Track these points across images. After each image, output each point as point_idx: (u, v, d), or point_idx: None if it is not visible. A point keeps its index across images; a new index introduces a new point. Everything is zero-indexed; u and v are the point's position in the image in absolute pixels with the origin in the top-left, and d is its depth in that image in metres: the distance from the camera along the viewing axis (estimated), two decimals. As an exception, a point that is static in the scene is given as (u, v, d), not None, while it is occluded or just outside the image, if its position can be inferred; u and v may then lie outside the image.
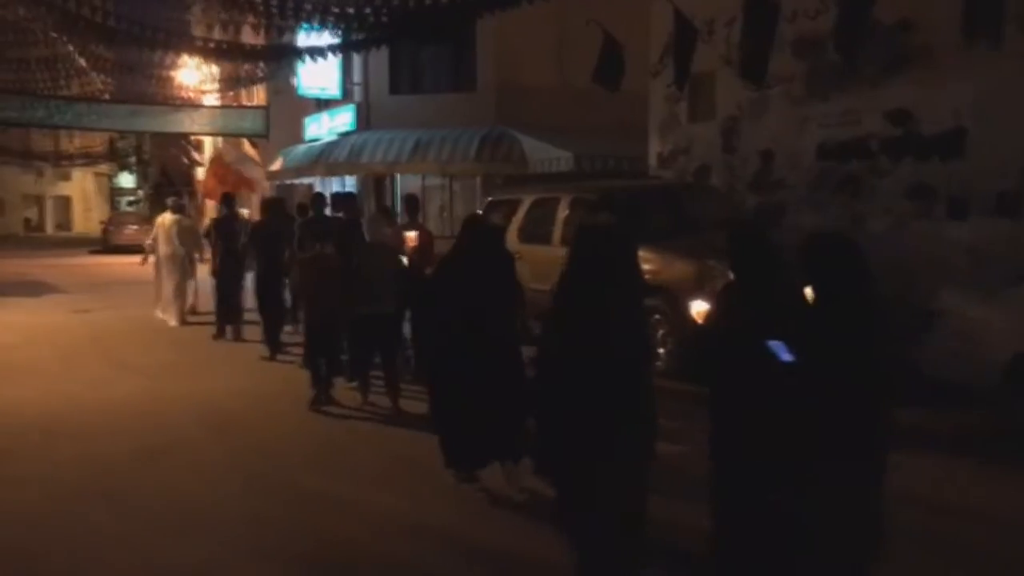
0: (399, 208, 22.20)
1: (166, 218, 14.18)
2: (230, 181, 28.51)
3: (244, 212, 17.94)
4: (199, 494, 6.02)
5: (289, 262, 10.40)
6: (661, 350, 9.14)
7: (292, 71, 21.75)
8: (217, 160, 31.45)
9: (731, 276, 4.11)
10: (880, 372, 3.60)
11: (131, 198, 77.25)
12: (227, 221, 12.58)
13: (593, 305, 3.71)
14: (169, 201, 15.30)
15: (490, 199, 12.67)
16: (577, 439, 3.71)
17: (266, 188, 28.73)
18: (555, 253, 10.73)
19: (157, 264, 14.06)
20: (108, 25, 13.82)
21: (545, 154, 19.02)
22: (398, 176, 22.22)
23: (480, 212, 12.57)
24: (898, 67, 10.26)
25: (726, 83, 12.73)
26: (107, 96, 25.66)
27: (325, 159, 21.54)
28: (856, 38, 9.74)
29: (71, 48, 19.45)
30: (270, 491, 6.04)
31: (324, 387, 8.23)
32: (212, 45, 15.45)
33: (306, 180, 25.26)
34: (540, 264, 10.09)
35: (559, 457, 3.84)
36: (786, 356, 3.58)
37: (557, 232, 10.76)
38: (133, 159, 64.85)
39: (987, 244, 9.22)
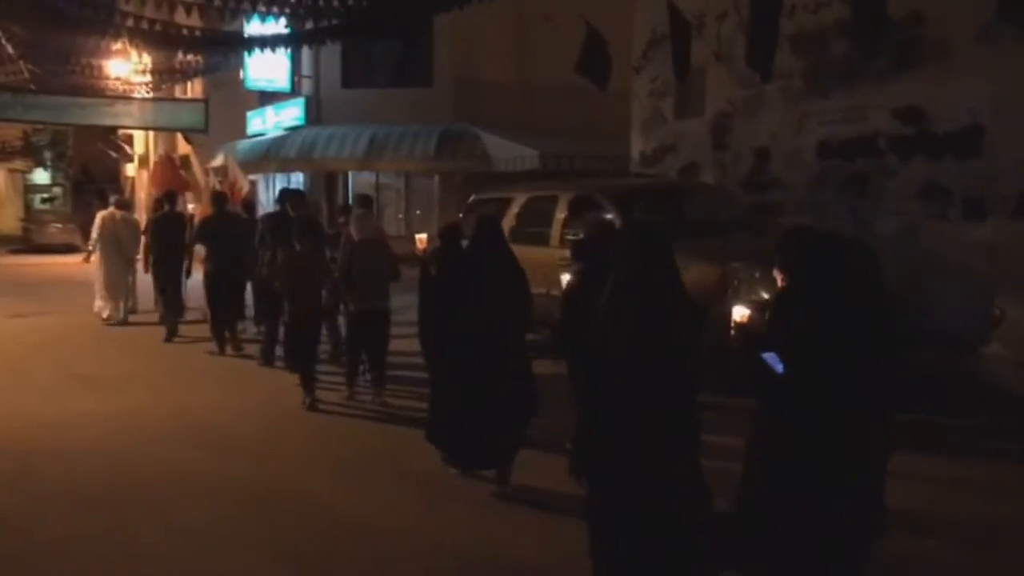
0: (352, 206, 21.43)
1: (114, 214, 13.85)
2: (173, 180, 27.24)
3: (191, 208, 16.89)
4: (207, 522, 5.26)
5: (251, 260, 10.35)
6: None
7: (239, 62, 20.69)
8: (166, 158, 30.07)
9: (777, 280, 3.94)
10: (879, 374, 3.54)
11: (45, 195, 74.12)
12: (169, 219, 12.45)
13: (658, 307, 3.64)
14: (113, 198, 15.05)
15: (475, 197, 11.99)
16: (633, 443, 3.59)
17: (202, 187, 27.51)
18: (552, 255, 10.16)
19: (100, 260, 13.68)
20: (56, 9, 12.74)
21: (509, 152, 18.41)
22: (350, 173, 21.32)
23: (467, 210, 11.92)
24: (909, 62, 9.92)
25: (716, 79, 12.32)
26: (33, 87, 24.10)
27: (274, 155, 20.52)
28: (874, 31, 9.41)
29: (-1, 34, 18.06)
30: (284, 512, 5.34)
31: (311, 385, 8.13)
32: (157, 29, 14.39)
33: (249, 177, 24.17)
34: (536, 267, 9.38)
35: (605, 461, 3.72)
36: (779, 368, 3.59)
37: (555, 233, 10.16)
38: (49, 155, 62.16)
39: (1010, 245, 8.95)
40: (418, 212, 21.26)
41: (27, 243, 33.18)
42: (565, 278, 6.34)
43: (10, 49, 19.86)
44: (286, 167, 20.77)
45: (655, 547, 3.57)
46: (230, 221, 11.19)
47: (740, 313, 4.06)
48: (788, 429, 3.61)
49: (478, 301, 5.65)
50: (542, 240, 10.30)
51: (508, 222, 10.94)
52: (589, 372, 3.92)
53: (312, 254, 8.30)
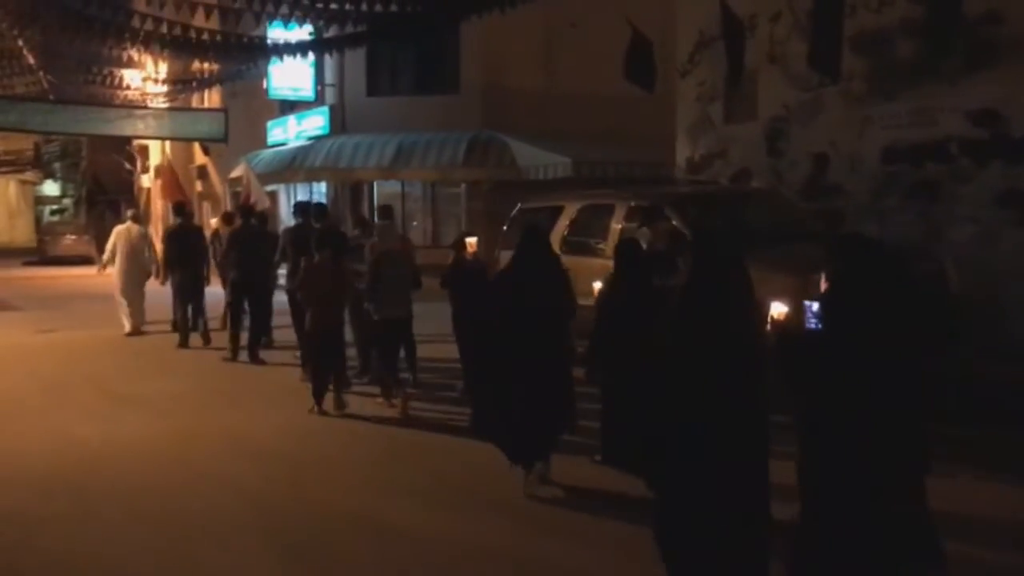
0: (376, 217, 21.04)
1: (131, 228, 14.03)
2: (173, 190, 26.93)
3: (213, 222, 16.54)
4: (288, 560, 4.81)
5: (271, 270, 10.84)
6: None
7: (262, 71, 20.31)
8: (166, 168, 29.75)
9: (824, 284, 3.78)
10: (908, 380, 3.49)
11: (55, 207, 73.92)
12: (185, 231, 12.63)
13: (728, 316, 3.71)
14: (129, 212, 15.14)
15: (521, 205, 11.55)
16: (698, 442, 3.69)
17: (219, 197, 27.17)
18: (609, 267, 9.74)
19: (118, 275, 13.76)
20: (80, 13, 12.37)
21: (540, 160, 18.02)
22: (375, 183, 20.91)
23: (512, 219, 11.50)
24: (983, 63, 9.48)
25: (770, 82, 11.89)
26: (51, 97, 23.77)
27: (299, 165, 20.12)
28: (948, 30, 9.00)
29: (20, 43, 17.71)
30: (364, 538, 4.88)
31: (327, 395, 8.21)
32: (176, 34, 13.98)
33: (269, 188, 23.81)
34: (589, 278, 8.95)
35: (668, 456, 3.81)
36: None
37: (612, 243, 9.70)
38: (58, 165, 61.97)
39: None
40: (444, 221, 20.84)
41: (41, 255, 32.89)
42: (597, 285, 6.73)
43: (31, 59, 19.56)
44: (312, 177, 20.37)
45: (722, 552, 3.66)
46: (257, 234, 11.41)
47: (778, 310, 4.03)
48: (821, 431, 3.55)
49: (526, 307, 5.84)
50: (597, 251, 9.87)
51: (559, 232, 10.52)
52: (658, 380, 3.94)
53: (334, 265, 8.42)
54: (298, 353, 10.17)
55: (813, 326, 4.24)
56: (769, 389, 3.77)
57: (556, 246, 10.46)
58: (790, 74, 11.55)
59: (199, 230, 13.87)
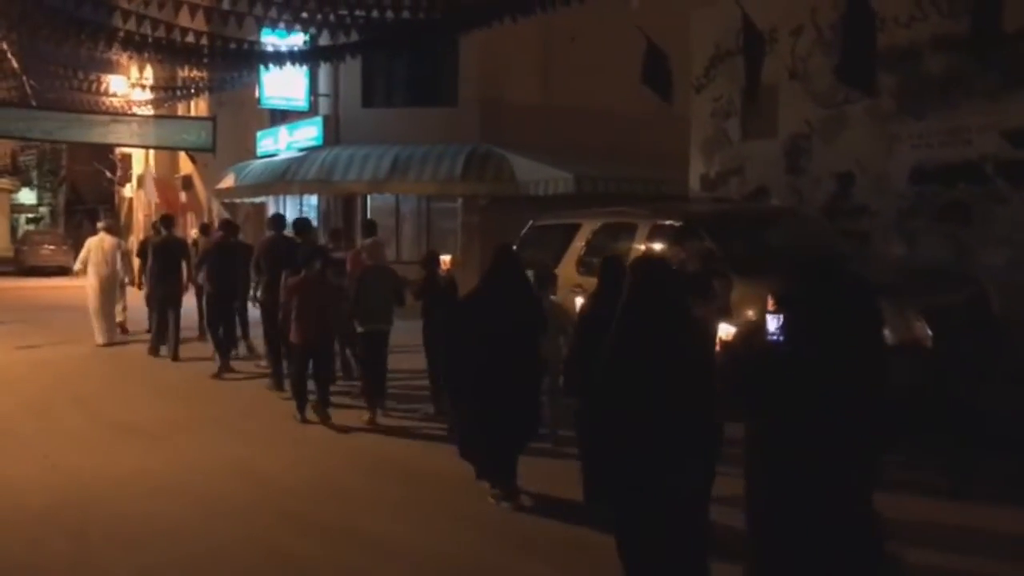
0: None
1: (104, 239, 13.91)
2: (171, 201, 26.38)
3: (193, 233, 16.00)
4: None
5: (246, 283, 10.88)
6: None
7: (253, 79, 19.77)
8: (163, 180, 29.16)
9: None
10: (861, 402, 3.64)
11: (31, 215, 72.70)
12: (170, 242, 12.74)
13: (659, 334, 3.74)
14: (100, 224, 15.09)
15: (533, 223, 11.09)
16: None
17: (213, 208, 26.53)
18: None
19: (89, 286, 13.71)
20: (72, 16, 11.82)
21: (539, 175, 17.59)
22: (368, 196, 20.37)
23: (524, 238, 11.03)
24: (1022, 80, 9.13)
25: (790, 97, 11.49)
26: (34, 103, 23.12)
27: (292, 176, 19.55)
28: (985, 46, 8.64)
29: (4, 47, 17.13)
30: None
31: (312, 403, 8.40)
32: (160, 36, 13.42)
33: (258, 200, 23.25)
34: None
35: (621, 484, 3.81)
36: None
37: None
38: (34, 174, 60.89)
39: None
40: (440, 236, 20.33)
41: (18, 265, 32.03)
42: (579, 301, 6.70)
43: (14, 63, 18.96)
44: (305, 189, 19.81)
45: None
46: (230, 247, 11.51)
47: (726, 331, 4.21)
48: (773, 444, 3.69)
49: (498, 327, 5.98)
50: (619, 271, 9.40)
51: (575, 251, 10.09)
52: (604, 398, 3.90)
53: (324, 278, 8.59)
54: (263, 362, 10.69)
55: (773, 340, 3.83)
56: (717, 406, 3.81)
57: (572, 266, 10.10)
58: (812, 90, 11.18)
59: (182, 242, 13.78)
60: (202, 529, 5.64)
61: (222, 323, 11.16)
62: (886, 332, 7.51)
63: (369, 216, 20.66)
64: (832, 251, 8.92)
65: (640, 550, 3.83)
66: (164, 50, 14.52)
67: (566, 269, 10.07)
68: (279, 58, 15.65)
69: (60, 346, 13.59)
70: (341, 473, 6.90)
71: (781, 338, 3.74)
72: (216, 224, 14.09)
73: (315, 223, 21.64)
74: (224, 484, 6.60)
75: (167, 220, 13.50)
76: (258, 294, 10.25)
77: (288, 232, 10.44)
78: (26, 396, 9.79)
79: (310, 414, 8.38)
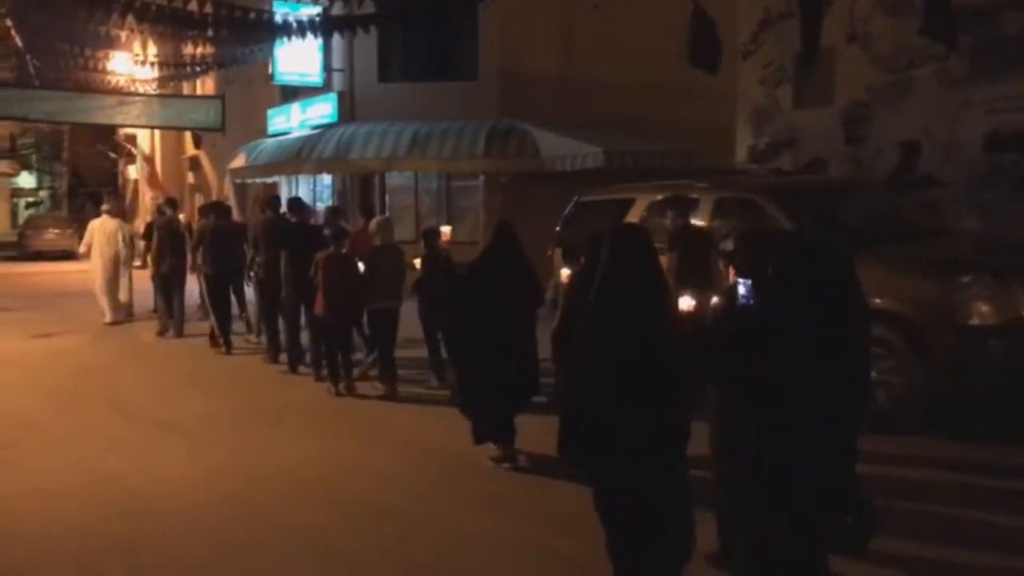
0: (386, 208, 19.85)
1: (106, 222, 14.12)
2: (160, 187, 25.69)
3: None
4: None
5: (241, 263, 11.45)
6: (880, 392, 7.17)
7: (266, 53, 19.07)
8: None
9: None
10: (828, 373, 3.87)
11: (31, 199, 71.94)
12: (172, 224, 12.95)
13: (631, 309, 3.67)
14: (104, 206, 15.17)
15: (578, 199, 10.49)
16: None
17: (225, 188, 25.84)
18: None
19: (95, 268, 13.93)
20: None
21: (565, 150, 16.89)
22: (386, 174, 19.72)
23: (568, 215, 10.44)
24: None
25: (849, 63, 10.87)
26: (37, 83, 22.38)
27: (307, 155, 18.88)
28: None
29: (9, 23, 16.42)
30: None
31: (343, 376, 8.82)
32: (176, 9, 12.76)
33: (270, 180, 22.60)
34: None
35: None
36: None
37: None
38: (34, 157, 60.07)
39: None
40: (460, 215, 19.70)
41: (22, 250, 31.37)
42: (565, 273, 7.23)
43: (18, 40, 18.25)
44: (321, 168, 19.12)
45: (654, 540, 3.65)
46: (224, 228, 11.81)
47: (687, 303, 4.42)
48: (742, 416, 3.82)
49: (497, 298, 6.26)
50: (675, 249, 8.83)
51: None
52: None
53: (346, 255, 8.85)
54: (254, 338, 11.58)
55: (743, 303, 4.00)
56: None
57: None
58: (873, 54, 10.56)
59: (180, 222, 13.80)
60: (268, 544, 5.09)
61: (220, 302, 11.52)
62: (985, 310, 7.05)
63: (389, 195, 20.11)
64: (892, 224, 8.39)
65: (618, 511, 3.74)
66: (172, 21, 13.85)
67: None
68: (293, 30, 15.00)
69: (76, 334, 13.04)
70: (411, 480, 6.33)
71: (750, 302, 3.92)
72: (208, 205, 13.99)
73: (330, 202, 21.20)
74: (280, 490, 6.05)
75: (171, 202, 14.00)
76: (252, 273, 10.89)
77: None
78: (51, 390, 9.22)
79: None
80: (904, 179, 10.28)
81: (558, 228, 10.39)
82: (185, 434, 7.50)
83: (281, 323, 10.31)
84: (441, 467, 6.49)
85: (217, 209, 12.39)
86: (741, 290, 3.92)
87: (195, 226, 12.96)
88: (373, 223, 9.47)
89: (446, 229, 8.95)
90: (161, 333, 12.65)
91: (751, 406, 3.82)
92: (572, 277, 6.62)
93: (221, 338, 11.30)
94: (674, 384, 3.63)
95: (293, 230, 9.93)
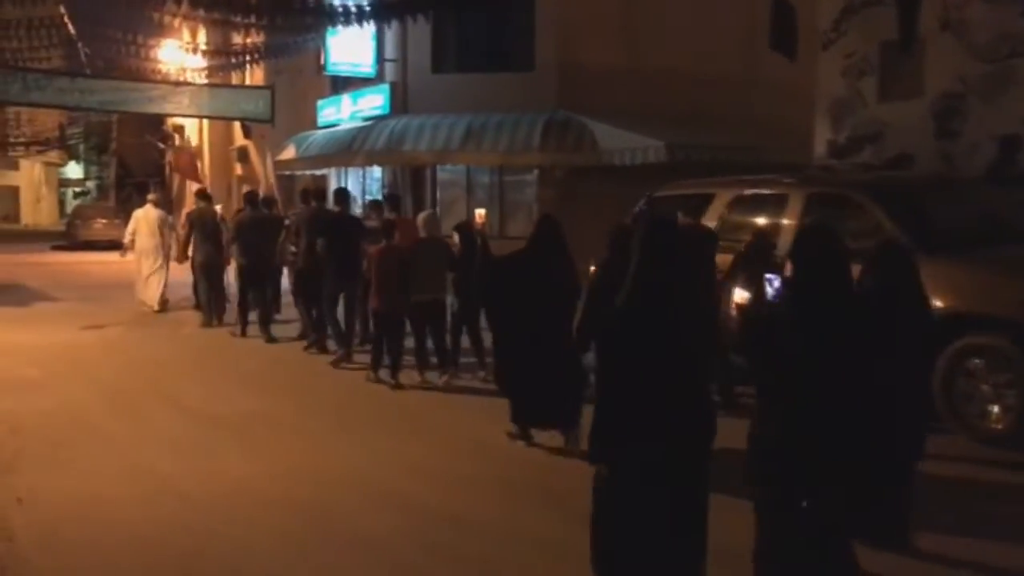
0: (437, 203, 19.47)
1: (149, 212, 14.47)
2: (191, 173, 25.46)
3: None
4: None
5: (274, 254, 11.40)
6: (995, 407, 6.58)
7: (318, 43, 18.78)
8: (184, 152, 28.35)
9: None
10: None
11: (78, 189, 72.76)
12: (205, 215, 13.09)
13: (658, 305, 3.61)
14: (149, 196, 15.38)
15: (651, 195, 9.95)
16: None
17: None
18: (782, 268, 8.16)
19: (138, 256, 14.26)
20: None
21: (625, 143, 16.34)
22: (437, 167, 19.29)
23: (640, 210, 9.90)
24: None
25: (941, 52, 10.23)
26: (88, 72, 22.27)
27: (359, 147, 18.50)
28: None
29: (62, 10, 16.22)
30: None
31: (393, 370, 8.79)
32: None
33: (319, 172, 22.30)
34: None
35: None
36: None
37: (785, 242, 8.10)
38: (82, 147, 60.64)
39: None
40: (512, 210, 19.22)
41: (71, 239, 31.45)
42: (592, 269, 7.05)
43: (71, 27, 18.08)
44: (372, 160, 18.76)
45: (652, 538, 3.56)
46: (261, 219, 11.97)
47: (740, 296, 4.64)
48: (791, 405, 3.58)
49: (536, 290, 6.38)
50: (763, 249, 8.28)
51: (708, 223, 8.94)
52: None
53: (399, 250, 8.88)
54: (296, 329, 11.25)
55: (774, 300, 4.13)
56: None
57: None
58: (970, 42, 9.92)
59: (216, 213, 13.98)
60: (337, 557, 4.64)
61: (252, 292, 11.72)
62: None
63: (439, 189, 19.70)
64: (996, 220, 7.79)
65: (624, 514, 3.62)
66: (226, 6, 13.57)
67: (695, 245, 8.96)
68: (346, 16, 14.63)
69: (125, 325, 12.82)
70: (487, 488, 5.85)
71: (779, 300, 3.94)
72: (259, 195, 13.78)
73: (379, 195, 20.84)
74: (345, 495, 5.63)
75: (204, 194, 14.10)
76: (287, 259, 11.13)
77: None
78: (103, 384, 8.88)
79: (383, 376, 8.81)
80: (1002, 175, 9.60)
81: (632, 223, 9.86)
82: (241, 433, 7.11)
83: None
84: (503, 467, 6.06)
85: (252, 199, 12.53)
86: (770, 289, 3.91)
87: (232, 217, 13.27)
88: (420, 216, 9.51)
89: (481, 211, 8.92)
90: (205, 325, 12.63)
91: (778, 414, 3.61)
92: (595, 274, 6.66)
93: (260, 328, 11.44)
94: (699, 383, 3.69)
95: (333, 219, 10.30)
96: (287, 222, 11.46)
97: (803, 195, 8.05)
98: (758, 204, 8.60)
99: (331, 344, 10.23)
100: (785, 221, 8.14)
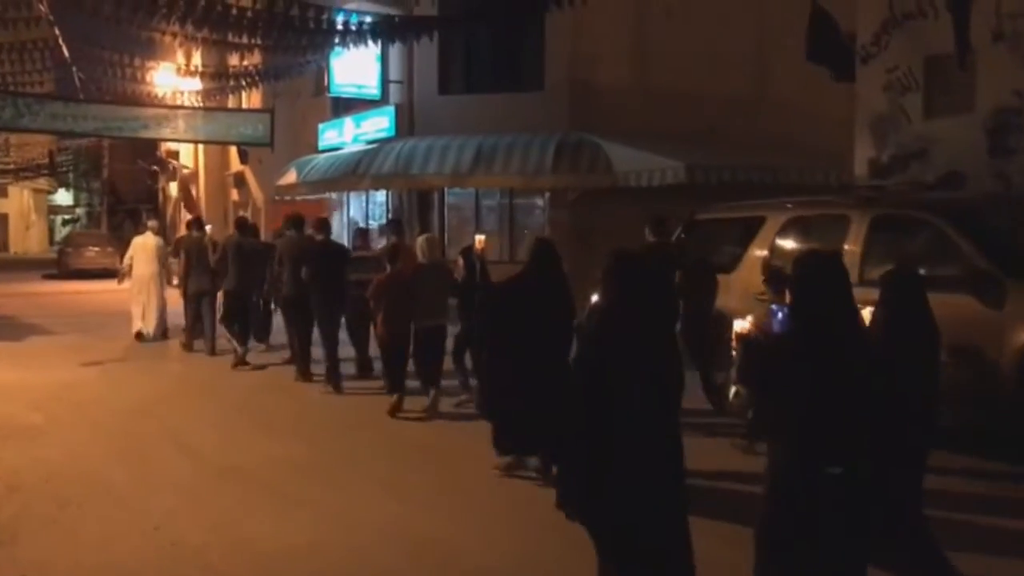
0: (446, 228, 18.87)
1: (148, 239, 14.27)
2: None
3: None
4: None
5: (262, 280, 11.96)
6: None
7: (320, 64, 18.21)
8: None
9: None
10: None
11: (67, 216, 71.96)
12: (198, 242, 13.06)
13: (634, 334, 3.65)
14: (149, 223, 15.36)
15: (696, 215, 9.37)
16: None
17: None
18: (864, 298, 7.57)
19: (134, 284, 13.97)
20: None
21: (642, 164, 15.81)
22: (446, 190, 18.69)
23: (683, 232, 9.31)
24: None
25: (995, 64, 9.68)
26: (81, 96, 21.66)
27: (364, 171, 17.89)
28: None
29: (57, 32, 15.62)
30: None
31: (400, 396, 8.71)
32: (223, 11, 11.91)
33: (320, 197, 21.69)
34: None
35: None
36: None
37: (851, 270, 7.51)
38: (72, 175, 59.91)
39: None
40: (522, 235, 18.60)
41: (62, 268, 30.66)
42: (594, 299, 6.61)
43: (65, 51, 17.49)
44: (379, 184, 18.15)
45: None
46: (248, 245, 12.06)
47: (741, 326, 4.48)
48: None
49: (532, 317, 6.23)
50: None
51: (757, 251, 8.36)
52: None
53: (402, 276, 8.77)
54: (286, 355, 11.39)
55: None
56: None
57: (754, 269, 8.34)
58: (1025, 54, 9.38)
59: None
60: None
61: (238, 318, 11.75)
62: None
63: (447, 212, 19.11)
64: None
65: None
66: (233, 25, 12.98)
67: (745, 274, 8.39)
68: (353, 35, 14.09)
69: (126, 361, 12.25)
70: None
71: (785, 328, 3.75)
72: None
73: (384, 220, 20.24)
74: (397, 570, 4.95)
75: (198, 222, 14.38)
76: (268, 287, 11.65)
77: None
78: (109, 430, 8.17)
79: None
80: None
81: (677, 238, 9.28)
82: (266, 487, 6.43)
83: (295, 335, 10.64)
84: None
85: (240, 226, 12.62)
86: (775, 321, 3.76)
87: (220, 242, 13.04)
88: (419, 241, 9.39)
89: (480, 237, 8.70)
90: (186, 348, 12.72)
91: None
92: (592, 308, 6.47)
93: (237, 349, 11.49)
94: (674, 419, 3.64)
95: (318, 248, 10.27)
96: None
97: (867, 217, 7.47)
98: (815, 227, 8.03)
99: (316, 369, 10.33)
100: (847, 246, 7.55)
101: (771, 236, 8.25)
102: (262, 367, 11.42)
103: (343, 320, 10.33)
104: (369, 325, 9.77)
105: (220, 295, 12.19)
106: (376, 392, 9.47)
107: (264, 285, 12.01)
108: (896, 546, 4.23)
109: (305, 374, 10.39)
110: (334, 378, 9.80)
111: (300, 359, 10.52)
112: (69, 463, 6.99)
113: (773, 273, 7.26)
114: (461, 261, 8.68)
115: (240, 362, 11.38)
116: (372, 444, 7.67)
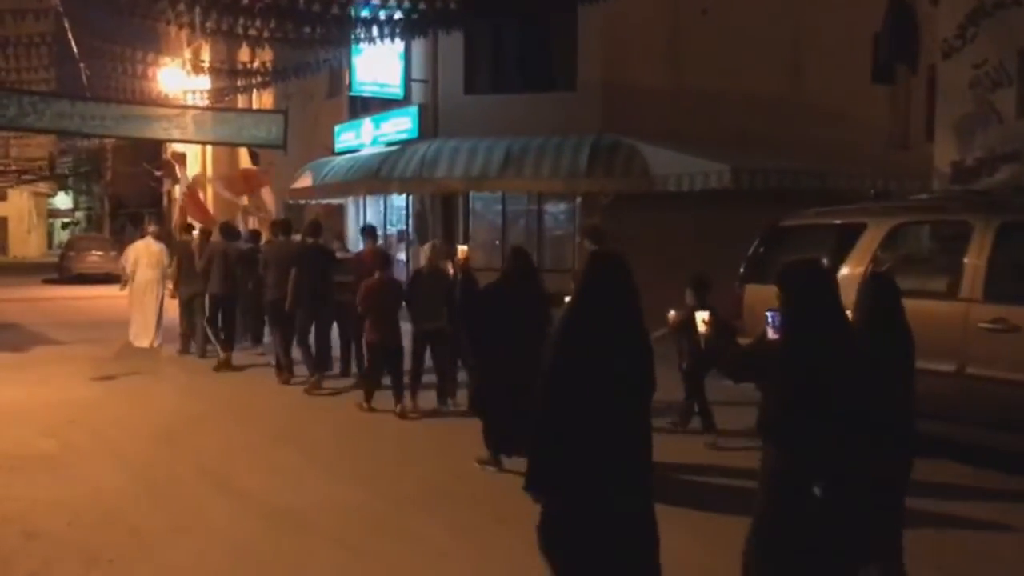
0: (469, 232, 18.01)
1: (150, 244, 13.91)
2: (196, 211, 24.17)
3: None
4: None
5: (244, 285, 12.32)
6: None
7: (342, 60, 17.38)
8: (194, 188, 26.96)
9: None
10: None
11: (67, 220, 71.11)
12: (189, 247, 13.18)
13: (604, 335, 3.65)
14: (150, 228, 14.97)
15: (777, 223, 8.50)
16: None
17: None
18: (965, 313, 6.72)
19: (134, 290, 13.65)
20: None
21: (683, 167, 14.99)
22: (471, 195, 17.82)
23: (766, 239, 8.44)
24: None
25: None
26: (88, 95, 20.77)
27: (386, 173, 17.01)
28: None
29: (66, 24, 14.76)
30: None
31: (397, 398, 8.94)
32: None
33: (336, 201, 20.86)
34: (929, 330, 5.80)
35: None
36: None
37: (972, 280, 6.67)
38: (70, 179, 58.99)
39: None
40: (552, 241, 17.75)
41: (63, 272, 29.78)
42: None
43: (74, 48, 16.61)
44: (403, 188, 17.26)
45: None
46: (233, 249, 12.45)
47: (702, 316, 4.26)
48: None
49: (513, 323, 6.63)
50: (938, 291, 6.89)
51: (859, 259, 7.49)
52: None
53: (392, 281, 9.22)
54: (270, 359, 11.33)
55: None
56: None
57: (854, 279, 7.51)
58: None
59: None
60: None
61: (224, 322, 12.10)
62: None
63: (472, 218, 18.25)
64: None
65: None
66: (238, 10, 12.16)
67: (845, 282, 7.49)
68: (376, 29, 13.27)
69: (139, 374, 11.41)
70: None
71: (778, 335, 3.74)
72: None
73: (403, 226, 19.40)
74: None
75: (189, 227, 15.02)
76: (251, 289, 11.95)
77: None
78: (133, 462, 7.23)
79: (375, 403, 9.01)
80: None
81: (748, 259, 8.42)
82: (326, 537, 5.52)
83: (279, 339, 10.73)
84: None
85: (225, 231, 12.92)
86: (769, 326, 3.77)
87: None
88: (424, 248, 9.68)
89: (463, 248, 8.63)
90: (181, 353, 12.87)
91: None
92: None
93: (220, 353, 11.80)
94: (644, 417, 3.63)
95: (304, 251, 10.45)
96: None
97: (994, 224, 6.62)
98: (928, 236, 7.18)
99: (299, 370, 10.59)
100: (968, 259, 6.71)
101: (873, 246, 7.38)
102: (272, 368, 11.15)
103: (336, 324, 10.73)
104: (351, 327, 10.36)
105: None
106: (428, 417, 8.95)
107: (250, 287, 12.19)
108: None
109: (283, 375, 10.68)
110: (317, 370, 10.18)
111: (283, 363, 10.74)
112: (91, 503, 6.06)
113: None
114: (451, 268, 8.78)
115: (223, 365, 11.60)
116: (436, 483, 6.75)
